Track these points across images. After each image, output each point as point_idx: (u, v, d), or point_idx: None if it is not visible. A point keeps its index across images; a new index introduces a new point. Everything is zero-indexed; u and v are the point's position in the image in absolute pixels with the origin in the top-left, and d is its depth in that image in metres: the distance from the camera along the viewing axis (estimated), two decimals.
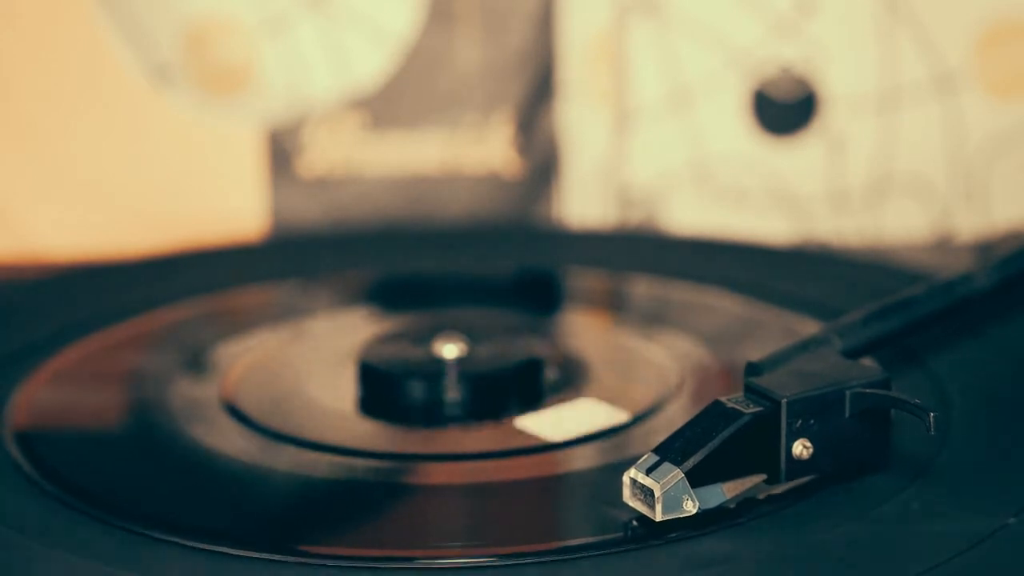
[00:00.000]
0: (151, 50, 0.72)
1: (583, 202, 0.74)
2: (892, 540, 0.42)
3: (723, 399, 0.43)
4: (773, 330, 0.58)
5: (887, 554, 0.41)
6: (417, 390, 0.52)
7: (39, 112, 0.72)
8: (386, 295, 0.66)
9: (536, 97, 0.73)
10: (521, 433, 0.50)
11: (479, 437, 0.51)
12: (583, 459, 0.49)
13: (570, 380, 0.54)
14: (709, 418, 0.43)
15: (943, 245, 0.72)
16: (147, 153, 0.73)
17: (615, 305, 0.66)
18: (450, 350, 0.53)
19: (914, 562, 0.40)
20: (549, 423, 0.50)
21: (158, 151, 0.73)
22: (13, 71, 0.72)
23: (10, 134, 0.72)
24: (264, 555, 0.42)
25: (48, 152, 0.73)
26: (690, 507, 0.42)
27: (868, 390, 0.43)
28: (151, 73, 0.72)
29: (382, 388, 0.53)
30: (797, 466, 0.43)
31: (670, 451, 0.42)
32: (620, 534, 0.42)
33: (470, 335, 0.54)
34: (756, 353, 0.46)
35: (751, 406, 0.43)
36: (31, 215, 0.73)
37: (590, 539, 0.43)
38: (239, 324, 0.61)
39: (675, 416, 0.50)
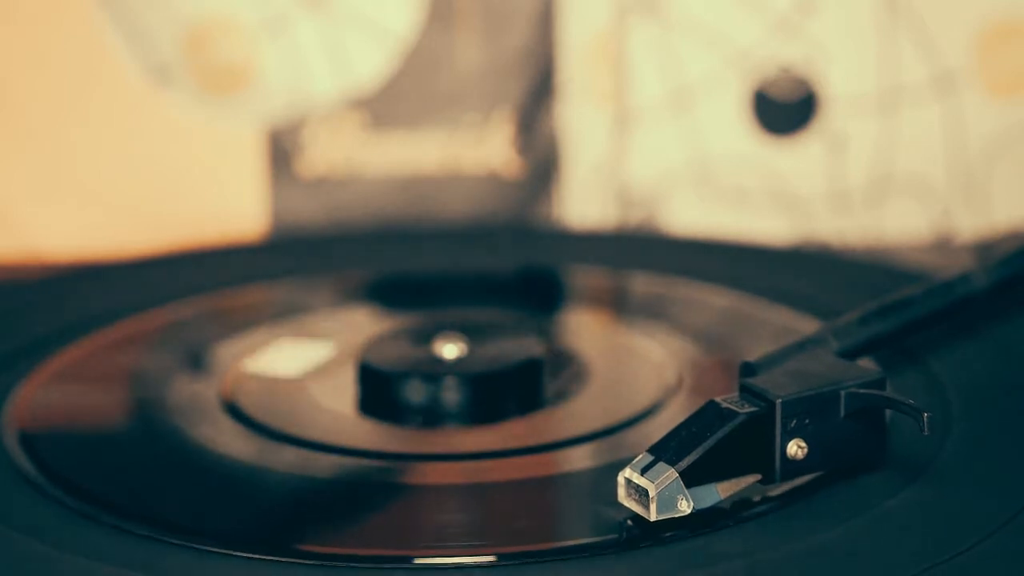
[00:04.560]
0: (151, 50, 0.72)
1: (583, 202, 0.74)
2: (891, 540, 0.42)
3: (718, 399, 0.43)
4: (773, 330, 0.58)
5: (886, 554, 0.41)
6: (417, 390, 0.52)
7: (39, 112, 0.72)
8: (386, 295, 0.66)
9: (536, 97, 0.73)
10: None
11: (478, 437, 0.51)
12: (580, 459, 0.49)
13: (570, 379, 0.54)
14: (704, 418, 0.43)
15: (943, 245, 0.72)
16: (147, 153, 0.73)
17: (615, 305, 0.66)
18: (450, 350, 0.53)
19: (913, 562, 0.40)
20: (280, 361, 0.52)
21: (158, 151, 0.73)
22: (13, 71, 0.72)
23: (10, 134, 0.73)
24: (264, 555, 0.42)
25: (48, 152, 0.73)
26: (685, 507, 0.42)
27: (863, 390, 0.43)
28: (151, 73, 0.72)
29: (382, 388, 0.53)
30: (792, 466, 0.43)
31: (665, 451, 0.42)
32: (615, 535, 0.42)
33: (470, 335, 0.54)
34: (755, 353, 0.46)
35: (746, 406, 0.43)
36: (31, 215, 0.73)
37: (585, 539, 0.43)
38: (239, 324, 0.61)
39: (672, 415, 0.50)
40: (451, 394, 0.52)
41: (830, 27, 0.71)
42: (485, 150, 0.73)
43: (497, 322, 0.59)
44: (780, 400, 0.43)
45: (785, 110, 0.72)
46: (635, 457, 0.43)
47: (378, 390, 0.53)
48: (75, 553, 0.42)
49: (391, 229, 0.73)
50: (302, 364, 0.55)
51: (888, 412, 0.45)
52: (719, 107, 0.72)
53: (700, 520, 0.42)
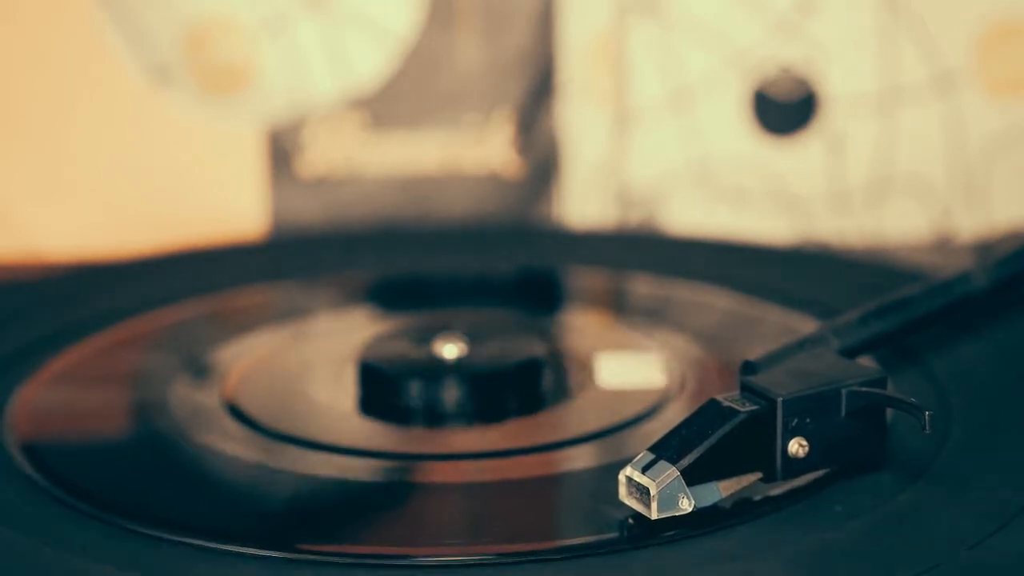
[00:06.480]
0: (151, 50, 0.72)
1: (583, 202, 0.74)
2: (891, 540, 0.42)
3: (719, 398, 0.43)
4: (773, 330, 0.58)
5: (886, 554, 0.41)
6: (417, 390, 0.52)
7: (39, 112, 0.73)
8: (386, 295, 0.66)
9: (536, 97, 0.73)
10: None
11: (478, 437, 0.51)
12: (580, 458, 0.49)
13: (570, 379, 0.54)
14: (705, 417, 0.43)
15: (943, 245, 0.73)
16: (147, 153, 0.73)
17: (615, 305, 0.66)
18: (450, 350, 0.53)
19: (913, 562, 0.40)
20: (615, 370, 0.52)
21: (158, 151, 0.73)
22: (14, 71, 0.72)
23: (11, 134, 0.73)
24: (265, 554, 0.42)
25: (48, 152, 0.73)
26: (686, 505, 0.42)
27: (864, 389, 0.43)
28: (151, 73, 0.72)
29: (382, 388, 0.53)
30: (793, 465, 0.43)
31: (666, 449, 0.42)
32: (616, 534, 0.42)
33: (470, 335, 0.54)
34: (756, 353, 0.46)
35: (747, 405, 0.43)
36: (31, 215, 0.73)
37: (586, 538, 0.43)
38: (240, 324, 0.61)
39: (672, 415, 0.50)
40: (451, 394, 0.52)
41: (830, 27, 0.71)
42: (485, 150, 0.73)
43: (497, 322, 0.59)
44: (781, 399, 0.43)
45: (785, 110, 0.72)
46: (636, 456, 0.43)
47: (379, 390, 0.53)
48: (75, 553, 0.42)
49: (391, 229, 0.73)
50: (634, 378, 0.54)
51: (889, 411, 0.45)
52: (719, 107, 0.72)
53: (701, 519, 0.42)
